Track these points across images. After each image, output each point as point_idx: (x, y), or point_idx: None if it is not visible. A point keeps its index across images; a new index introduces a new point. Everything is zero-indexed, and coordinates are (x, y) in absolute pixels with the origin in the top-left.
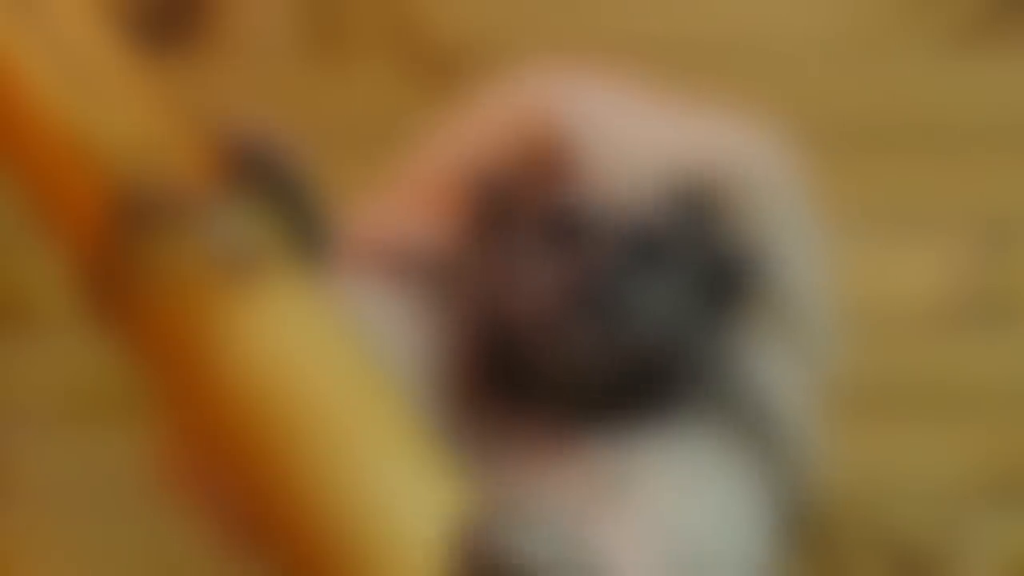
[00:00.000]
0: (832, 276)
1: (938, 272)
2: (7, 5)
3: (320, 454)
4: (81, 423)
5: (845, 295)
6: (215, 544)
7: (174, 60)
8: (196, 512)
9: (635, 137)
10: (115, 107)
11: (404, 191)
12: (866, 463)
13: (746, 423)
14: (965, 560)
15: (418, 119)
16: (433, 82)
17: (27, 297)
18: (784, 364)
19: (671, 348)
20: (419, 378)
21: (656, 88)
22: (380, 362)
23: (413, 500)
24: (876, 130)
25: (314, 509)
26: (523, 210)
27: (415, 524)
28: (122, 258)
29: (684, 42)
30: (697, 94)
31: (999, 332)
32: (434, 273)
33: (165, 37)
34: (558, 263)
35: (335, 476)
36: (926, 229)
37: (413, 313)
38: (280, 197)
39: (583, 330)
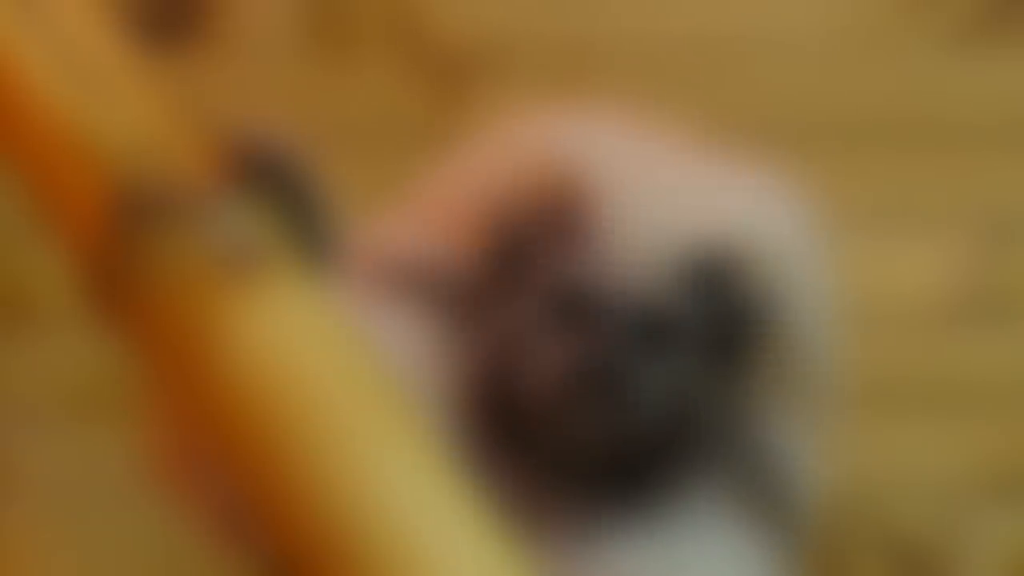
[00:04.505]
0: (834, 275)
1: (939, 269)
2: (9, 2)
3: (322, 452)
4: (83, 421)
5: (846, 292)
6: (207, 540)
7: (177, 58)
8: (188, 508)
9: (652, 200)
10: (118, 105)
11: (420, 212)
12: (868, 460)
13: (758, 492)
14: (968, 557)
15: (422, 119)
16: (437, 82)
17: (29, 294)
18: (797, 428)
19: (680, 425)
20: (428, 396)
21: (672, 133)
22: (384, 364)
23: (415, 499)
24: (877, 127)
25: (315, 507)
26: (533, 268)
27: (417, 523)
28: (124, 256)
29: (686, 41)
30: (698, 94)
31: (1001, 329)
32: (449, 299)
33: (168, 35)
34: (566, 341)
35: (337, 474)
36: (927, 226)
37: (426, 333)
38: (283, 196)
39: (588, 412)
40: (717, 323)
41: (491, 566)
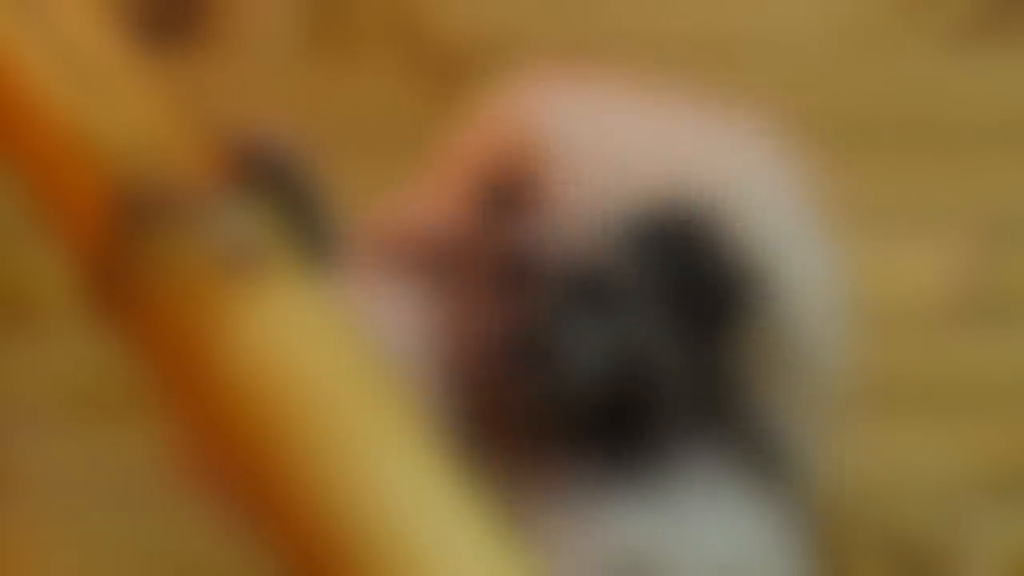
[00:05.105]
0: (836, 275)
1: (939, 269)
2: (9, 2)
3: (322, 452)
4: (83, 421)
5: (847, 292)
6: (233, 538)
7: (177, 58)
8: (213, 506)
9: (609, 162)
10: (118, 105)
11: (422, 188)
12: (868, 460)
13: (757, 460)
14: (968, 557)
15: (422, 119)
16: (438, 82)
17: (29, 294)
18: (793, 396)
19: (633, 386)
20: (429, 378)
21: (655, 86)
22: (385, 362)
23: (415, 499)
24: (877, 127)
25: (315, 506)
26: (492, 235)
27: (417, 523)
28: (124, 256)
29: (687, 40)
30: (699, 92)
31: (1001, 329)
32: (442, 271)
33: (168, 35)
34: (504, 305)
35: (337, 474)
36: (927, 226)
37: (425, 308)
38: (284, 196)
39: (520, 377)
40: (681, 285)
41: (492, 567)
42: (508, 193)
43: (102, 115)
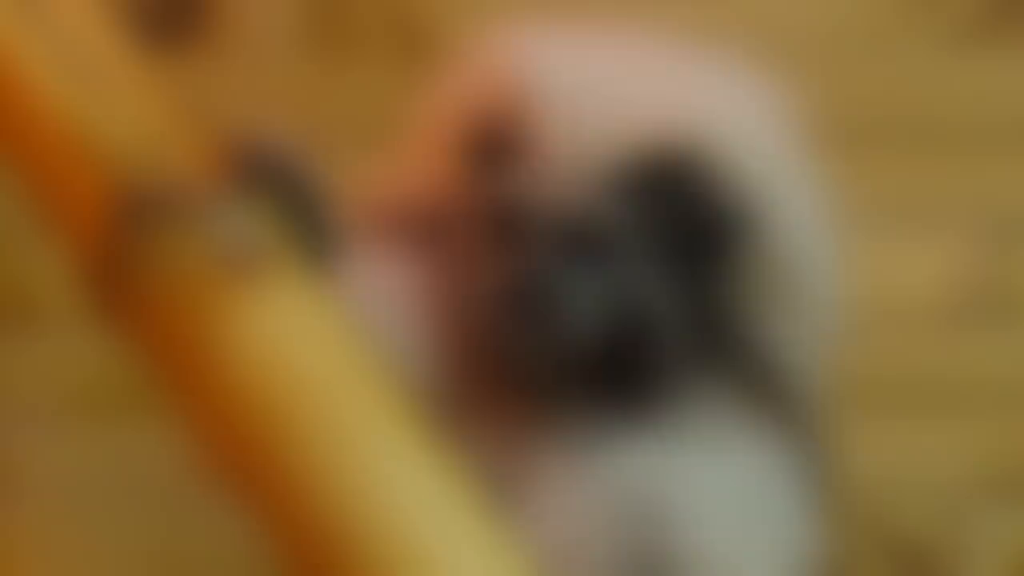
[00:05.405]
0: (838, 270)
1: (940, 269)
2: (9, 2)
3: (323, 451)
4: (84, 421)
5: (849, 291)
6: (235, 536)
7: (177, 57)
8: (217, 502)
9: (597, 108)
10: (118, 104)
11: (407, 153)
12: (868, 460)
13: (760, 393)
14: (969, 556)
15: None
16: (437, 81)
17: (31, 294)
18: (789, 323)
19: (635, 332)
20: (427, 341)
21: (638, 33)
22: (384, 360)
23: (416, 498)
24: (877, 127)
25: (316, 504)
26: (482, 190)
27: (418, 523)
28: (126, 256)
29: (684, 36)
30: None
31: (1002, 329)
32: (442, 225)
33: (168, 35)
34: (498, 259)
35: (338, 473)
36: (928, 226)
37: (424, 271)
38: (285, 195)
39: (519, 328)
40: (673, 226)
41: (491, 565)
42: (495, 145)
43: (102, 115)
